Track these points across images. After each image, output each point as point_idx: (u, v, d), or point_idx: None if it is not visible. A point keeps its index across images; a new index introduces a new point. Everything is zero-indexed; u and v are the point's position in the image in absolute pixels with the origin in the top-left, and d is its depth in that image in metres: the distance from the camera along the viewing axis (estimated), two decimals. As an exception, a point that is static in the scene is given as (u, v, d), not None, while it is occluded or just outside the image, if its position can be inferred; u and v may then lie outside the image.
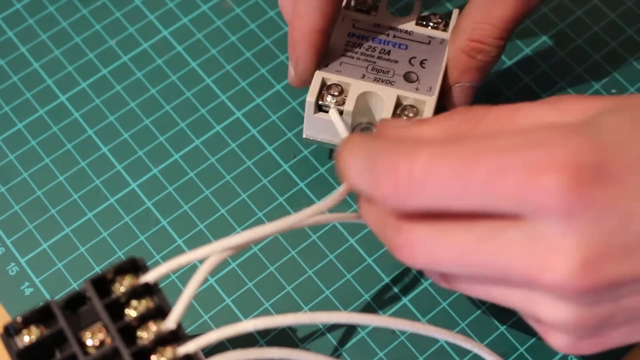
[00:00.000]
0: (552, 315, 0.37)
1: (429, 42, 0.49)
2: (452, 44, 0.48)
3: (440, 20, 0.50)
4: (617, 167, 0.34)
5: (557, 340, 0.38)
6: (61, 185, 0.51)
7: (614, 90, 0.53)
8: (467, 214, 0.36)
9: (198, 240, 0.49)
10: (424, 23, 0.50)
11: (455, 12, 0.51)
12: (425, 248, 0.37)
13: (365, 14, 0.51)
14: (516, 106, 0.38)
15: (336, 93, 0.47)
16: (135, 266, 0.39)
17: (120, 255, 0.49)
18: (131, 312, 0.38)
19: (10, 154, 0.52)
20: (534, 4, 0.46)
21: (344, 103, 0.47)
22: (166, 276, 0.48)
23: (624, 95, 0.42)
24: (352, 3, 0.51)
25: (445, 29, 0.50)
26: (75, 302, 0.38)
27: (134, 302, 0.38)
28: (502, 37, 0.46)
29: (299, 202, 0.50)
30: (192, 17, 0.55)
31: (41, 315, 0.38)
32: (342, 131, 0.46)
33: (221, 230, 0.49)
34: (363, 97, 0.47)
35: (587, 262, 0.34)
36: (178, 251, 0.49)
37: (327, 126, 0.48)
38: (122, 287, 0.38)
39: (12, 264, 0.49)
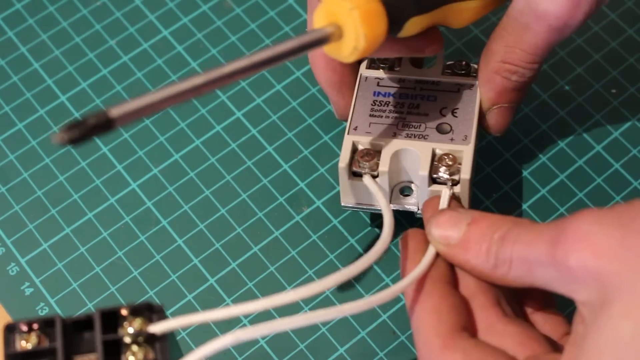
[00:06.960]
0: None
1: (458, 89, 0.48)
2: (484, 66, 0.46)
3: (466, 67, 0.48)
4: None
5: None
6: (61, 185, 0.51)
7: (613, 90, 0.53)
8: None
9: (198, 241, 0.49)
10: (450, 71, 0.48)
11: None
12: None
13: (389, 70, 0.49)
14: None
15: (368, 157, 0.45)
16: (150, 310, 0.38)
17: (120, 255, 0.49)
18: (129, 357, 0.37)
19: (11, 154, 0.52)
20: (567, 33, 0.45)
21: (377, 167, 0.45)
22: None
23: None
24: (375, 61, 0.49)
25: (474, 75, 0.48)
26: (82, 325, 0.38)
27: (134, 347, 0.37)
28: (535, 61, 0.45)
29: (299, 202, 0.50)
30: (193, 17, 0.55)
31: (45, 325, 0.38)
32: (379, 195, 0.45)
33: (221, 230, 0.49)
34: (397, 155, 0.46)
35: None
36: (178, 251, 0.49)
37: (364, 191, 0.46)
38: (130, 327, 0.38)
39: (13, 264, 0.49)
